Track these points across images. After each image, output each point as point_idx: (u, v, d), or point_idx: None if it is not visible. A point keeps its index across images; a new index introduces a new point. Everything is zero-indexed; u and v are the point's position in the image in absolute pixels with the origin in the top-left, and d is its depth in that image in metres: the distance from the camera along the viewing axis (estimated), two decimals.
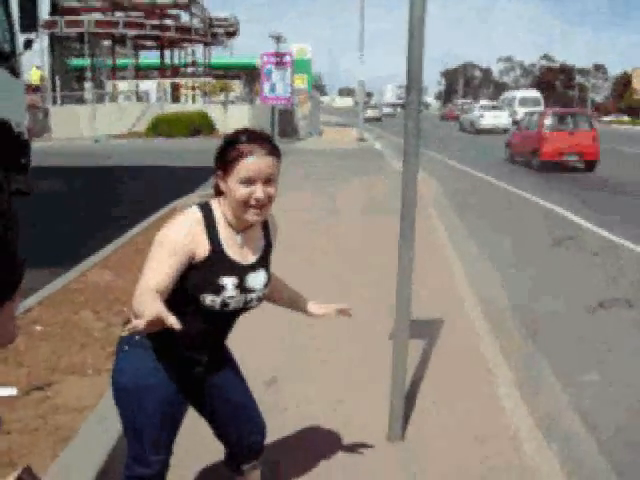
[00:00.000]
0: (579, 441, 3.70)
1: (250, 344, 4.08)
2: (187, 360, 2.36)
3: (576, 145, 18.26)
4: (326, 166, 18.08)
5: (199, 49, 48.38)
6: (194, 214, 2.22)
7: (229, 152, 2.17)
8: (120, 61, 43.55)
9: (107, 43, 44.17)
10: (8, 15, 9.32)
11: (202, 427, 2.68)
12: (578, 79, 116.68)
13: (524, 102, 37.32)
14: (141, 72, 44.46)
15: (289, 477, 3.25)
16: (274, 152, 2.20)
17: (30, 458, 3.09)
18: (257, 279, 2.32)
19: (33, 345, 4.59)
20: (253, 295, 2.32)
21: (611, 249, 8.64)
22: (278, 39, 29.86)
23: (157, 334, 2.04)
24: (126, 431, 2.40)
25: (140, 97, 36.11)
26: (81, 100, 35.43)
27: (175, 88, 36.34)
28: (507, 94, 45.43)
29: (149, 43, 46.14)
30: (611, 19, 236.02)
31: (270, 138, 2.25)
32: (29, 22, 8.97)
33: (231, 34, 48.63)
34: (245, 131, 2.22)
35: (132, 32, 40.10)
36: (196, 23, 44.51)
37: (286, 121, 31.94)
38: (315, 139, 32.09)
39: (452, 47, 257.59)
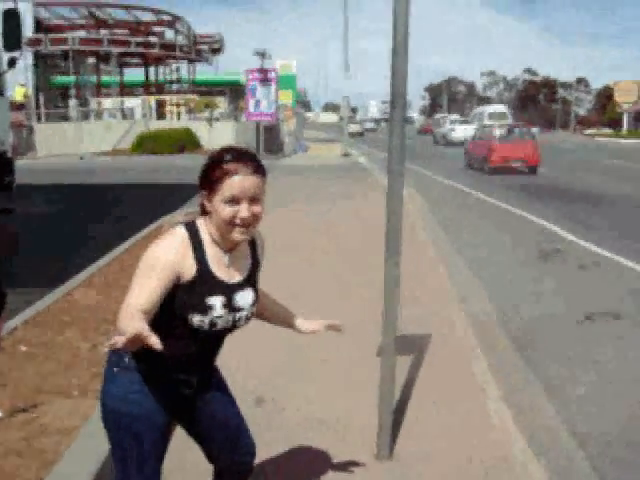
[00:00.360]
0: (569, 457, 3.69)
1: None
2: (177, 382, 2.34)
3: (520, 153, 22.32)
4: (310, 184, 18.10)
5: (184, 66, 48.48)
6: (180, 234, 2.20)
7: (214, 171, 2.15)
8: (105, 78, 43.53)
9: (92, 60, 44.12)
10: None
11: (190, 447, 2.65)
12: (561, 93, 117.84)
13: (492, 116, 39.94)
14: (126, 89, 44.47)
15: None
16: (259, 171, 2.18)
17: None
18: (245, 298, 2.31)
19: (18, 366, 4.54)
20: (241, 314, 2.30)
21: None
22: (263, 55, 29.99)
23: (146, 356, 2.01)
24: (114, 454, 2.37)
25: (125, 114, 36.08)
26: (66, 117, 35.34)
27: (160, 105, 36.32)
28: (478, 109, 48.69)
29: (134, 60, 46.26)
30: (593, 33, 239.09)
31: (255, 156, 2.23)
32: (13, 41, 8.92)
33: (216, 51, 48.79)
34: (230, 150, 2.20)
35: (117, 49, 40.19)
36: (181, 40, 44.64)
37: (271, 138, 32.00)
38: (301, 155, 32.13)
39: (436, 61, 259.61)
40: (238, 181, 2.12)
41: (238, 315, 2.29)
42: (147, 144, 30.06)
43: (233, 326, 2.31)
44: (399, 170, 3.40)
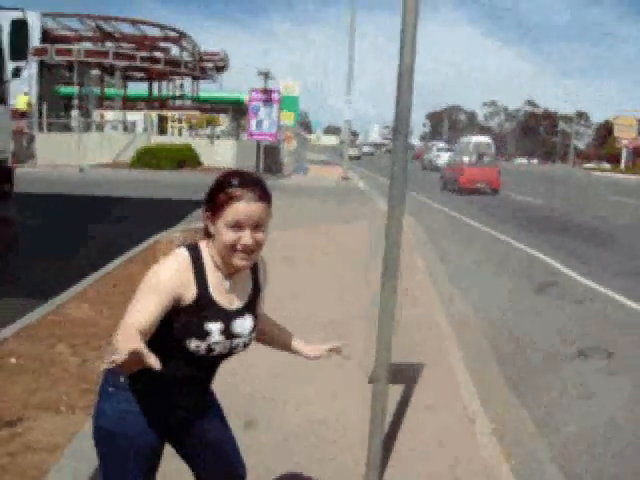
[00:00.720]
0: None
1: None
2: (171, 403, 2.31)
3: (485, 177, 27.23)
4: (307, 208, 18.13)
5: (187, 82, 48.72)
6: (183, 256, 2.18)
7: (219, 195, 2.13)
8: (108, 91, 43.72)
9: (96, 72, 44.35)
10: None
11: (179, 468, 2.62)
12: (561, 125, 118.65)
13: (477, 146, 42.42)
14: (129, 103, 44.63)
15: None
16: (265, 197, 2.16)
17: None
18: (244, 325, 2.28)
19: (6, 378, 4.50)
20: (239, 341, 2.28)
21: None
22: (266, 75, 30.13)
23: (141, 377, 1.99)
24: (103, 474, 2.33)
25: (127, 127, 36.18)
26: (67, 128, 35.41)
27: (162, 120, 36.45)
28: (464, 139, 51.61)
29: (138, 74, 46.46)
30: (595, 67, 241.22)
31: (261, 182, 2.21)
32: (20, 51, 8.94)
33: (220, 69, 49.06)
34: (237, 174, 2.18)
35: (121, 63, 40.40)
36: (186, 56, 44.90)
37: (271, 157, 32.06)
38: (300, 177, 32.15)
39: (438, 90, 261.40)
40: (243, 207, 2.11)
41: (236, 342, 2.27)
42: (147, 158, 30.09)
43: (230, 352, 2.29)
44: (400, 198, 3.38)
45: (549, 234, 14.67)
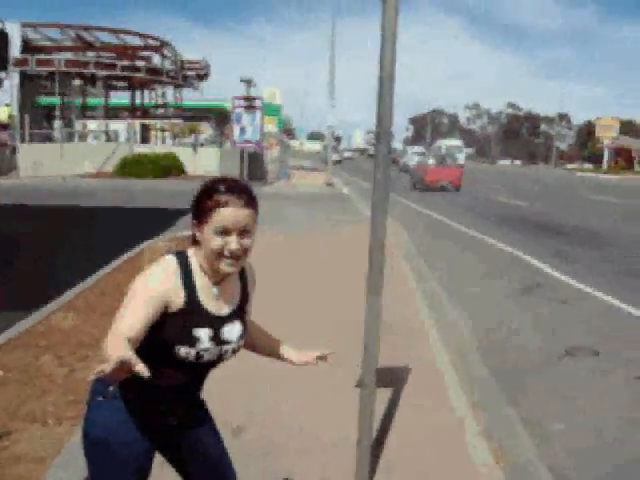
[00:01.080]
0: None
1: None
2: (161, 411, 2.31)
3: (447, 176, 30.47)
4: (293, 217, 18.13)
5: (169, 90, 48.55)
6: (170, 263, 2.19)
7: (206, 201, 2.14)
8: (90, 100, 43.51)
9: (78, 82, 44.12)
10: None
11: (170, 476, 2.62)
12: (543, 127, 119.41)
13: (449, 149, 47.73)
14: (111, 112, 44.44)
15: None
16: (251, 203, 2.17)
17: None
18: (233, 331, 2.29)
19: None
20: (228, 347, 2.28)
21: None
22: (249, 83, 30.15)
23: (131, 386, 1.98)
24: None
25: (109, 137, 36.02)
26: (50, 138, 35.19)
27: (145, 129, 36.34)
28: (437, 142, 58.96)
29: (120, 83, 46.24)
30: (577, 69, 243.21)
31: (248, 188, 2.21)
32: (0, 62, 8.92)
33: (202, 76, 48.96)
34: (223, 180, 2.19)
35: (103, 72, 40.21)
36: (167, 65, 44.79)
37: (255, 164, 32.03)
38: (283, 183, 32.15)
39: (421, 92, 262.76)
40: (229, 213, 2.11)
41: (225, 348, 2.27)
42: (131, 168, 29.95)
43: (219, 359, 2.29)
44: (382, 205, 3.38)
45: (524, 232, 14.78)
